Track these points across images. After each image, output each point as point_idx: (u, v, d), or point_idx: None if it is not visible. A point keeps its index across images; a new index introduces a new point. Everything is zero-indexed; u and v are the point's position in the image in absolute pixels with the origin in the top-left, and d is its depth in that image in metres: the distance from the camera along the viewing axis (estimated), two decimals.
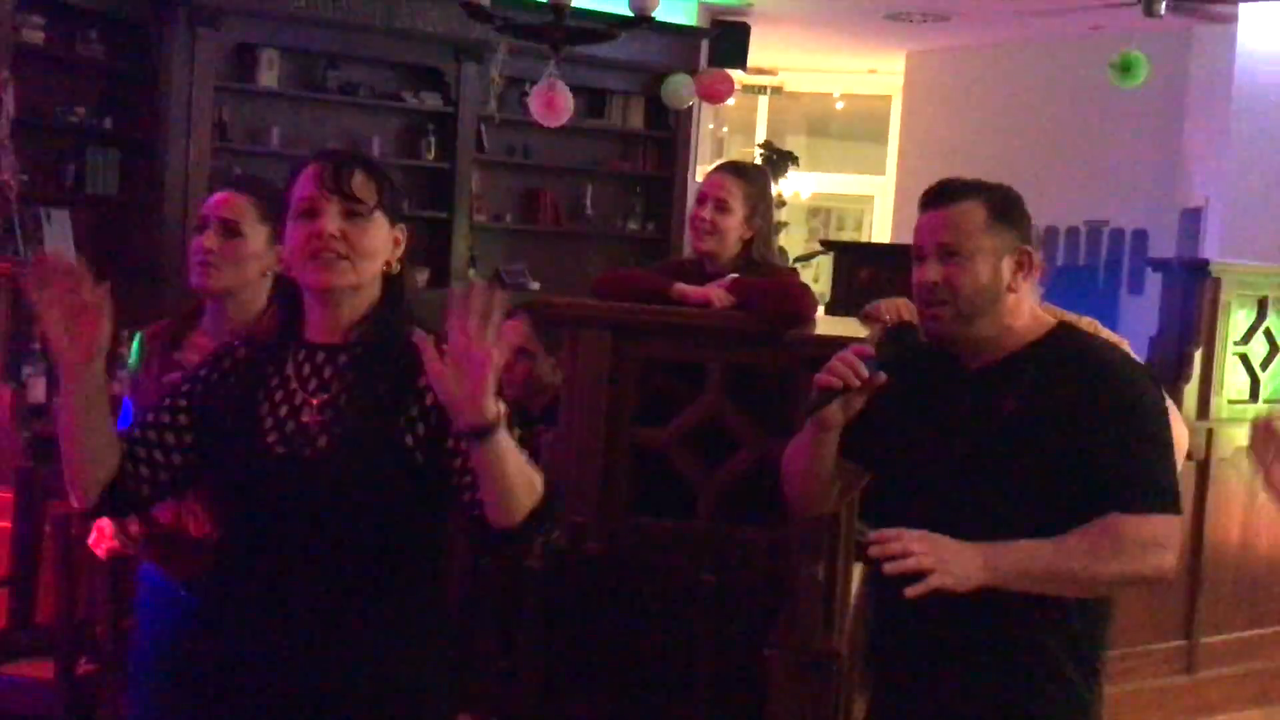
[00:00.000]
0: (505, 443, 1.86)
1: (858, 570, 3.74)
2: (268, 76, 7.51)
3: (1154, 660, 5.17)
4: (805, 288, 3.37)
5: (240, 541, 2.12)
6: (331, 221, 2.04)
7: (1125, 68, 7.19)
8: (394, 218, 2.11)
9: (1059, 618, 2.26)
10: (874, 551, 2.09)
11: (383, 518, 2.05)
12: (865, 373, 2.20)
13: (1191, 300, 5.41)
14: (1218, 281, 5.30)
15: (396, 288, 2.14)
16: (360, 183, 2.07)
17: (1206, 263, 5.45)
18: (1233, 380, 5.37)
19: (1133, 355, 3.52)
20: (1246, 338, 5.42)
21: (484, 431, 1.84)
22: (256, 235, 2.61)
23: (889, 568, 2.06)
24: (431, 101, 7.96)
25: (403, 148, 8.02)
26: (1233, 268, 5.44)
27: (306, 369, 2.11)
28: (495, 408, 1.83)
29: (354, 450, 2.03)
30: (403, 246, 2.14)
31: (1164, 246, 8.24)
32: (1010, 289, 2.28)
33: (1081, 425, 2.19)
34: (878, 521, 2.43)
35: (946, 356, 2.34)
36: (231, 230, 2.61)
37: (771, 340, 3.18)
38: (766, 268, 3.52)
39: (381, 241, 2.09)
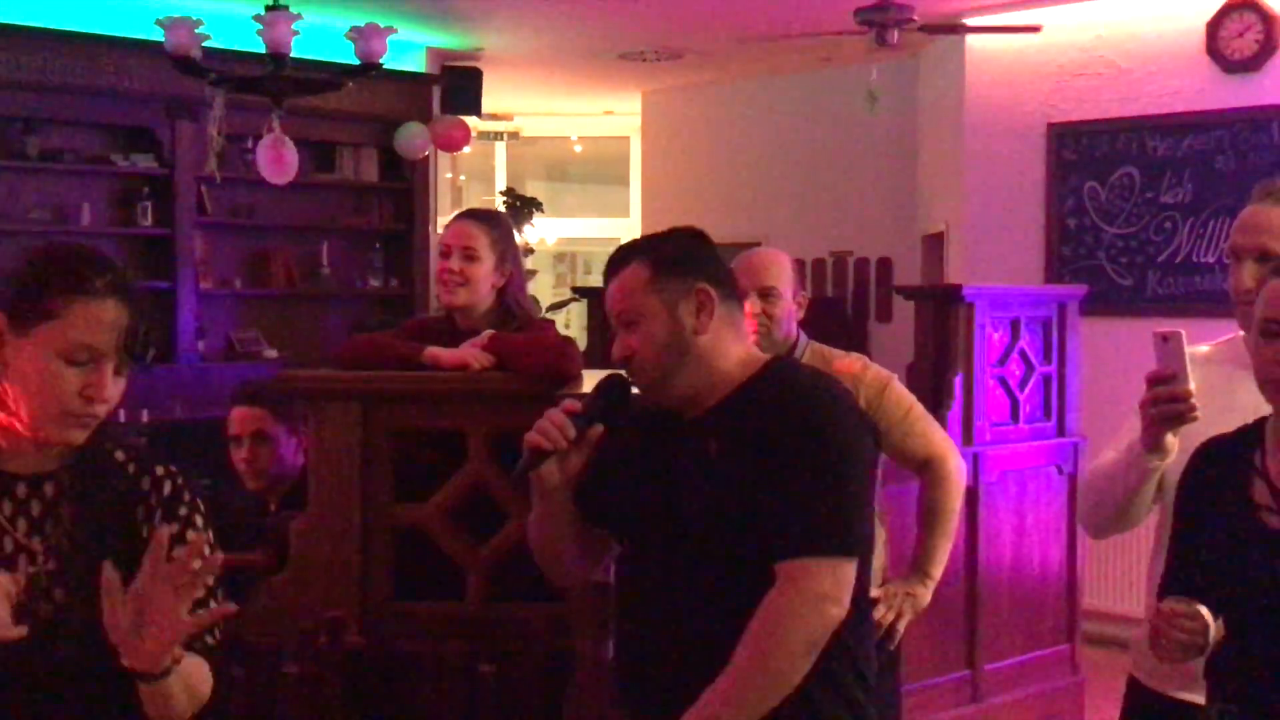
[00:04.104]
0: (175, 682, 1.72)
1: None
2: None
3: (941, 693, 5.13)
4: (568, 340, 3.15)
5: None
6: (110, 386, 1.75)
7: (876, 97, 7.25)
8: None
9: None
10: None
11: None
12: (572, 432, 2.19)
13: (946, 326, 5.42)
14: (971, 306, 5.33)
15: None
16: (133, 329, 1.77)
17: (959, 288, 5.46)
18: (994, 403, 5.39)
19: (897, 388, 3.40)
20: (1003, 360, 5.46)
21: (150, 678, 1.70)
22: None
23: None
24: (145, 164, 7.43)
25: (116, 215, 7.46)
26: (985, 291, 5.47)
27: (7, 507, 1.77)
28: (169, 657, 1.70)
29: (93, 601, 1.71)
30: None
31: (909, 273, 8.37)
32: (697, 333, 2.18)
33: (766, 461, 2.09)
34: (619, 586, 2.43)
35: (667, 411, 2.28)
36: None
37: (536, 400, 2.96)
38: (523, 319, 3.30)
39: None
